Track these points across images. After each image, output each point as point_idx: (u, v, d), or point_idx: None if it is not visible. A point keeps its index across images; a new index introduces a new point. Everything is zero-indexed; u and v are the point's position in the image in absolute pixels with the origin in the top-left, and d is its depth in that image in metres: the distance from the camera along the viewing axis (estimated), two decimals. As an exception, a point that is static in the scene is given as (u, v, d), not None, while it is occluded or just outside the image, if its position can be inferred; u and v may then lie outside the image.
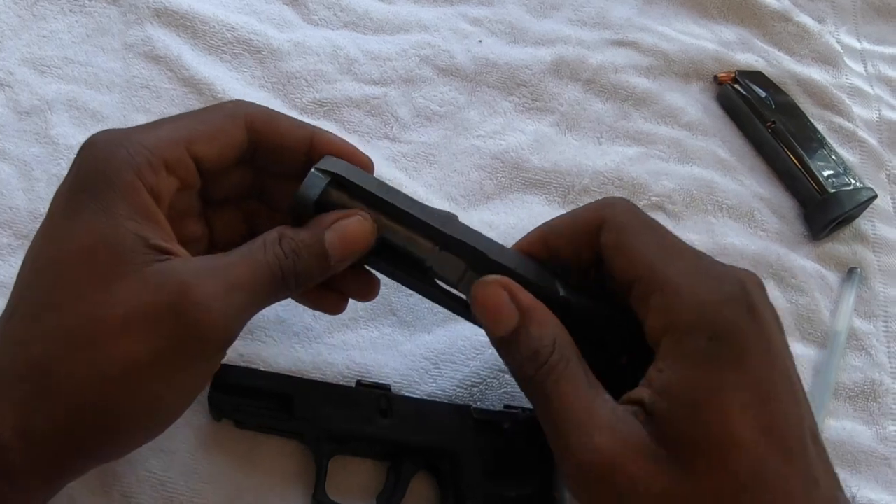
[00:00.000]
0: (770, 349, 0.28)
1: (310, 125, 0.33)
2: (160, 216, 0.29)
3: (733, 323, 0.28)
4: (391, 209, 0.31)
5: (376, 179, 0.32)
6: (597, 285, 0.33)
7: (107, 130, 0.30)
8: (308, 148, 0.32)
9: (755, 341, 0.28)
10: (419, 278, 0.33)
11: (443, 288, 0.33)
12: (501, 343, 0.31)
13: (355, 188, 0.31)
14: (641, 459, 0.27)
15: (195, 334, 0.27)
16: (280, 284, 0.29)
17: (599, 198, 0.41)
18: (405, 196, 0.32)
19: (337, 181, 0.31)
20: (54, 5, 0.46)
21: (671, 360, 0.28)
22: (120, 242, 0.27)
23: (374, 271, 0.34)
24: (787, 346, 0.29)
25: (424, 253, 0.31)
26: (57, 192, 0.30)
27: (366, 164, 0.33)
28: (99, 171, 0.28)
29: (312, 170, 0.31)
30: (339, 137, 0.33)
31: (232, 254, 0.29)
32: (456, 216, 0.32)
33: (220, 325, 0.27)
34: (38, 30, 0.45)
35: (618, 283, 0.31)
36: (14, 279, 0.37)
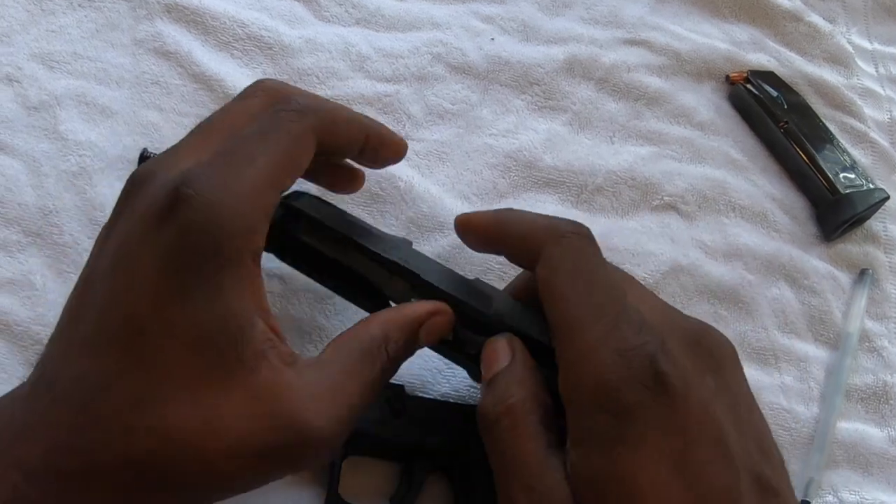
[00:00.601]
0: (687, 416, 0.26)
1: (362, 118, 0.33)
2: (264, 290, 0.26)
3: (632, 405, 0.26)
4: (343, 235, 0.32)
5: (337, 212, 0.33)
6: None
7: (192, 173, 0.25)
8: (363, 146, 0.33)
9: (664, 415, 0.26)
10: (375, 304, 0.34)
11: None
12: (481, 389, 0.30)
13: (317, 223, 0.32)
14: None
15: (304, 464, 0.27)
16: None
17: (612, 198, 0.42)
18: (363, 227, 0.33)
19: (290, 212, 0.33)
20: (63, 0, 0.45)
21: (577, 437, 0.27)
22: (234, 333, 0.24)
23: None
24: (711, 400, 0.27)
25: (375, 278, 0.33)
26: (144, 257, 0.25)
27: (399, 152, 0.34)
28: (206, 241, 0.24)
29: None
30: (388, 131, 0.33)
31: (338, 365, 0.27)
32: (410, 243, 0.34)
33: (329, 452, 0.27)
34: (46, 24, 0.44)
35: (547, 320, 0.29)
36: (23, 276, 0.37)
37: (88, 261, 0.28)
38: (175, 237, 0.24)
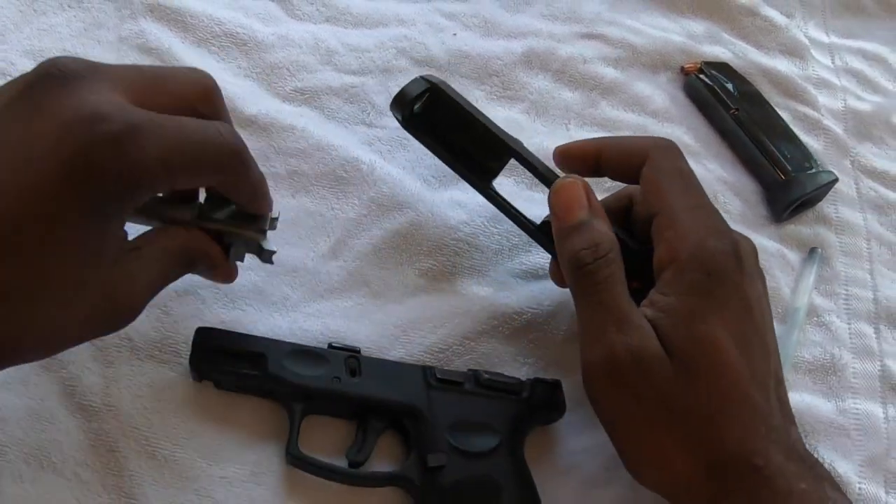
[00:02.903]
0: (749, 297, 0.36)
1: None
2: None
3: (724, 269, 0.36)
4: (475, 121, 0.41)
5: (464, 98, 0.42)
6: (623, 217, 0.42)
7: (119, 114, 0.29)
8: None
9: (738, 287, 0.36)
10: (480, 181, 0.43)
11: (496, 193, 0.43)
12: (568, 231, 0.38)
13: (447, 98, 0.41)
14: (658, 363, 0.35)
15: (119, 327, 0.33)
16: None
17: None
18: (485, 117, 0.42)
19: (432, 89, 0.41)
20: (54, 1, 0.51)
21: (674, 286, 0.36)
22: (105, 250, 0.30)
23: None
24: (763, 298, 0.38)
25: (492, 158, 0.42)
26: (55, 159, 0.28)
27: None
28: (112, 187, 0.29)
29: (416, 77, 0.42)
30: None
31: (155, 263, 0.34)
32: (521, 142, 0.42)
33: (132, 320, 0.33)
34: (38, 24, 0.50)
35: (643, 213, 0.39)
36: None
37: None
38: (91, 167, 0.28)
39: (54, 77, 0.29)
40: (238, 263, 0.38)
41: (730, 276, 0.36)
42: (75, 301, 0.30)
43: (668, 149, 0.40)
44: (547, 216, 0.40)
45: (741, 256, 0.37)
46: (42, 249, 0.29)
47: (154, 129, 0.30)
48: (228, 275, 0.38)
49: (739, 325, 0.35)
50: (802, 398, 0.47)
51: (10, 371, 0.38)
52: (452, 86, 0.43)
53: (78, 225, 0.29)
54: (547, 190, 0.40)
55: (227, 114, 0.36)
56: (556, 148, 0.43)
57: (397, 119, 0.43)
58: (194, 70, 0.35)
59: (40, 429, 0.38)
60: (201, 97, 0.34)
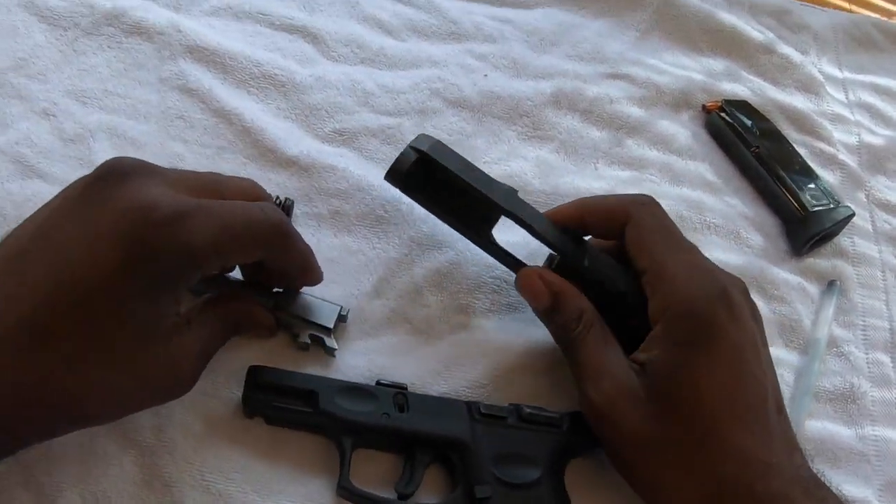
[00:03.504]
0: (740, 338, 0.39)
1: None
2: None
3: (711, 316, 0.39)
4: (464, 184, 0.43)
5: (457, 156, 0.44)
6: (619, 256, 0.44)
7: (171, 204, 0.33)
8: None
9: (727, 332, 0.39)
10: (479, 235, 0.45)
11: (496, 245, 0.45)
12: (541, 315, 0.44)
13: (438, 164, 0.43)
14: (632, 404, 0.39)
15: (172, 398, 0.38)
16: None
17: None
18: (479, 174, 0.44)
19: (423, 158, 0.43)
20: (93, 42, 0.53)
21: (663, 338, 0.40)
22: (162, 327, 0.35)
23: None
24: (757, 335, 0.41)
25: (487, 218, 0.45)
26: (119, 233, 0.32)
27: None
28: (165, 267, 0.33)
29: (407, 146, 0.44)
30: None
31: (209, 330, 0.38)
32: (516, 191, 0.45)
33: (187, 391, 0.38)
34: (78, 64, 0.52)
35: (634, 267, 0.43)
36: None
37: (50, 213, 0.35)
38: (145, 250, 0.33)
39: (115, 174, 0.34)
40: None
41: (717, 326, 0.39)
42: (134, 371, 0.34)
43: (647, 205, 0.44)
44: (552, 260, 0.45)
45: (730, 302, 0.40)
46: (104, 322, 0.33)
47: (202, 213, 0.34)
48: (272, 333, 0.44)
49: (727, 369, 0.39)
50: (824, 426, 0.49)
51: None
52: (486, 122, 0.46)
53: (135, 301, 0.33)
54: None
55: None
56: (545, 213, 0.45)
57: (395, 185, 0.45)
58: (244, 178, 0.41)
59: (95, 465, 0.39)
60: (251, 197, 0.39)
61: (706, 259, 0.43)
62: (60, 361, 0.32)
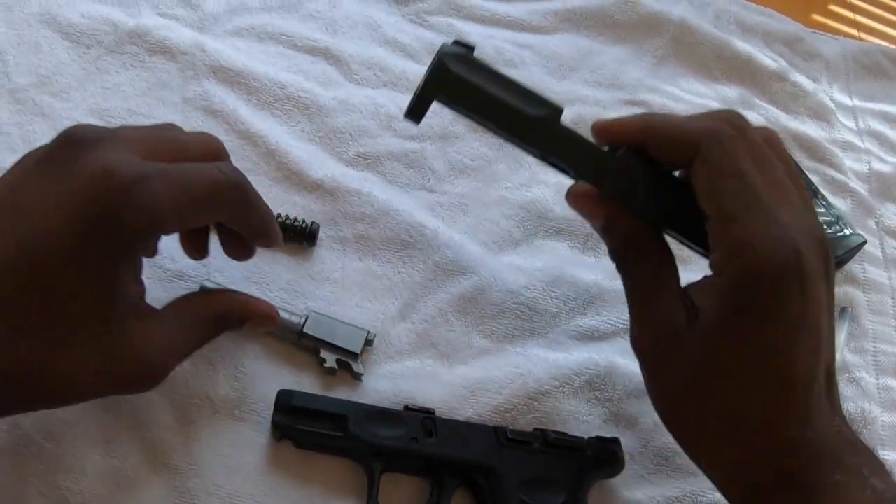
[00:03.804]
0: (804, 309, 0.36)
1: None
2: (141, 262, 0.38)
3: (775, 286, 0.35)
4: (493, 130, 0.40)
5: (481, 83, 0.39)
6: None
7: (130, 168, 0.33)
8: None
9: (791, 303, 0.36)
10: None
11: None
12: (599, 232, 0.42)
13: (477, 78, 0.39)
14: (681, 345, 0.37)
15: (136, 390, 0.37)
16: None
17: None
18: (506, 104, 0.39)
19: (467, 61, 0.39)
20: (116, 60, 0.54)
21: (719, 293, 0.37)
22: (117, 297, 0.34)
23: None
24: (824, 305, 0.37)
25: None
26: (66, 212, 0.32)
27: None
28: (124, 230, 0.33)
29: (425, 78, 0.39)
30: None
31: (180, 324, 0.37)
32: (559, 113, 0.40)
33: (153, 385, 0.37)
34: (101, 82, 0.53)
35: (700, 204, 0.38)
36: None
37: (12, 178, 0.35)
38: (105, 212, 0.33)
39: (75, 141, 0.35)
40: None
41: (780, 293, 0.35)
42: (91, 347, 0.34)
43: (723, 143, 0.37)
44: (610, 148, 0.41)
45: (802, 271, 0.36)
46: (62, 289, 0.33)
47: (162, 177, 0.34)
48: (274, 322, 0.42)
49: (785, 334, 0.36)
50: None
51: (92, 431, 0.41)
52: (507, 147, 0.44)
53: (94, 267, 0.33)
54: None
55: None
56: (595, 122, 0.41)
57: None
58: (204, 133, 0.40)
59: (125, 488, 0.40)
60: (211, 155, 0.39)
61: (789, 208, 0.37)
62: (14, 330, 0.32)
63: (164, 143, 0.37)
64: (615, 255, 0.41)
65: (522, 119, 0.39)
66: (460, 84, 0.39)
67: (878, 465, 0.38)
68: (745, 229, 0.36)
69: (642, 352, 0.40)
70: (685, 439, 0.39)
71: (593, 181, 0.40)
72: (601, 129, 0.41)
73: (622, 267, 0.41)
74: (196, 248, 0.43)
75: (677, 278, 0.40)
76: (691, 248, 0.41)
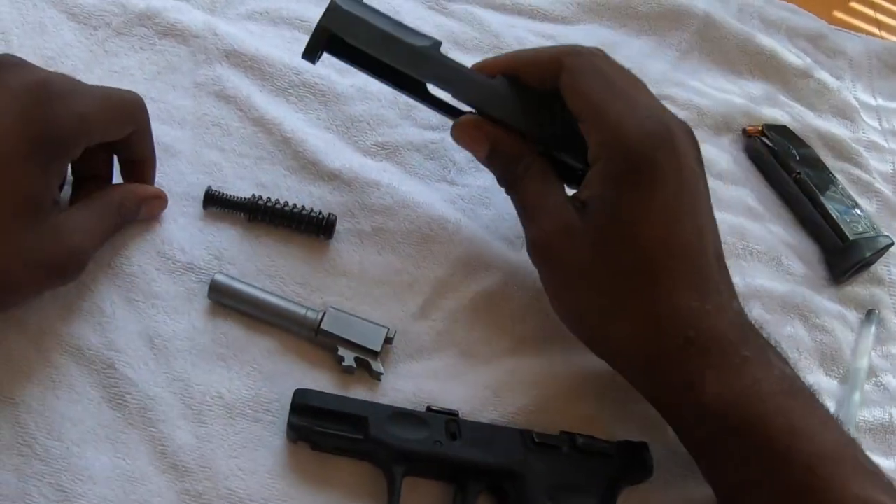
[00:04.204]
0: (681, 180, 0.40)
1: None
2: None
3: (651, 155, 0.39)
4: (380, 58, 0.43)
5: (371, 20, 0.44)
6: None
7: (62, 81, 0.38)
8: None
9: (667, 172, 0.39)
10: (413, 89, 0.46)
11: (432, 97, 0.46)
12: (485, 161, 0.45)
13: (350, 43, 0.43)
14: (571, 238, 0.40)
15: (69, 273, 0.40)
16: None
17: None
18: (395, 39, 0.43)
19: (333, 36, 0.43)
20: (125, 42, 0.51)
21: (602, 175, 0.40)
22: (43, 196, 0.37)
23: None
24: (700, 179, 0.41)
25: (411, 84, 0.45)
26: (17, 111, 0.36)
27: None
28: (59, 135, 0.37)
29: (318, 23, 0.43)
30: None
31: (90, 213, 0.41)
32: (439, 44, 0.44)
33: (82, 265, 0.40)
34: (109, 65, 0.50)
35: (574, 115, 0.42)
36: (94, 303, 0.42)
37: None
38: (42, 119, 0.36)
39: (6, 61, 0.39)
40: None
41: (657, 165, 0.39)
42: (22, 243, 0.37)
43: (581, 53, 0.43)
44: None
45: (673, 142, 0.40)
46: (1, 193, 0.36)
47: (87, 89, 0.40)
48: (163, 204, 0.45)
49: (664, 210, 0.39)
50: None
51: (98, 429, 0.39)
52: None
53: (31, 170, 0.36)
54: None
55: (149, 126, 0.44)
56: (474, 65, 0.45)
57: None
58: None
59: (131, 489, 0.38)
60: (132, 106, 0.43)
61: (652, 98, 0.42)
62: None
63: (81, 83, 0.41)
64: (503, 178, 0.44)
65: (411, 49, 0.43)
66: (351, 18, 0.43)
67: (782, 355, 0.40)
68: (614, 113, 0.40)
69: (538, 248, 0.42)
70: (582, 324, 0.42)
71: (476, 103, 0.44)
72: (478, 68, 0.45)
73: (511, 187, 0.44)
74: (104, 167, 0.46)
75: (563, 187, 0.43)
76: (575, 166, 0.44)
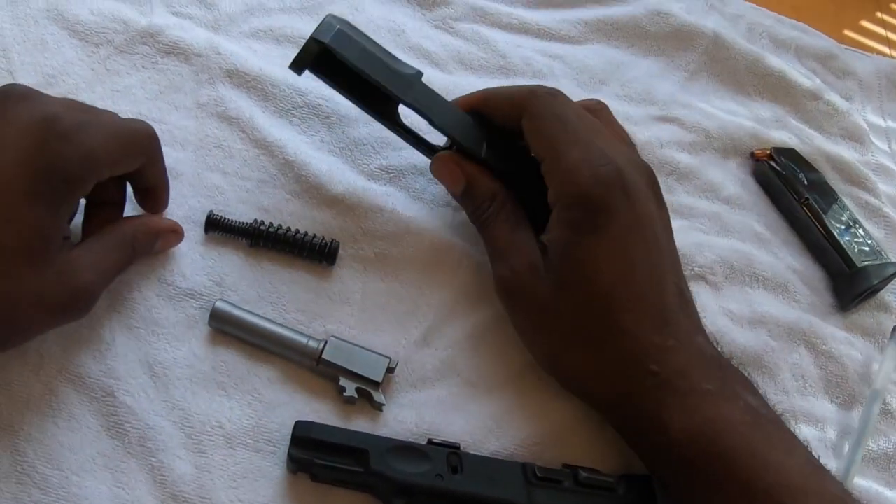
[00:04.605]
0: (634, 220, 0.41)
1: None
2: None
3: (601, 198, 0.41)
4: (363, 74, 0.44)
5: (361, 42, 0.45)
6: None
7: (70, 116, 0.37)
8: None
9: (619, 213, 0.41)
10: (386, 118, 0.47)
11: (404, 127, 0.47)
12: (458, 198, 0.47)
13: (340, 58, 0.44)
14: (537, 278, 0.42)
15: (79, 308, 0.39)
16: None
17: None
18: (380, 61, 0.45)
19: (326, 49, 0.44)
20: (127, 61, 0.51)
21: (558, 220, 0.42)
22: (52, 235, 0.36)
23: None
24: (656, 217, 0.42)
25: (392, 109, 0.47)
26: (22, 152, 0.35)
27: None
28: (68, 174, 0.36)
29: (311, 36, 0.44)
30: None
31: (101, 248, 0.40)
32: (421, 75, 0.46)
33: (92, 302, 0.39)
34: (111, 84, 0.50)
35: (535, 156, 0.44)
36: (94, 330, 0.42)
37: None
38: (50, 157, 0.36)
39: (13, 93, 0.38)
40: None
41: (609, 207, 0.40)
42: (27, 276, 0.36)
43: (543, 97, 0.45)
44: (447, 141, 0.48)
45: (624, 183, 0.41)
46: (5, 229, 0.35)
47: (96, 124, 0.38)
48: (179, 238, 0.45)
49: (619, 252, 0.40)
50: (870, 485, 0.49)
51: (97, 458, 0.39)
52: None
53: (39, 208, 0.36)
54: None
55: (161, 156, 0.43)
56: (453, 101, 0.47)
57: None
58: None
59: (126, 515, 0.38)
60: (142, 137, 0.42)
61: (608, 141, 0.44)
62: None
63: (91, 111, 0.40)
64: (475, 215, 0.46)
65: (397, 73, 0.45)
66: (344, 35, 0.44)
67: (750, 385, 0.41)
68: (570, 158, 0.42)
69: (506, 286, 0.44)
70: (552, 364, 0.43)
71: (452, 131, 0.46)
72: (458, 103, 0.48)
73: (482, 224, 0.46)
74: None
75: (531, 229, 0.44)
76: (538, 206, 0.44)
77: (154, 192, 0.44)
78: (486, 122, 0.47)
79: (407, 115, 0.47)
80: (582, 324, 0.41)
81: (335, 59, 0.44)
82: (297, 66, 0.45)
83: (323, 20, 0.45)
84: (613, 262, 0.40)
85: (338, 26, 0.45)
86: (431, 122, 0.46)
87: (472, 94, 0.48)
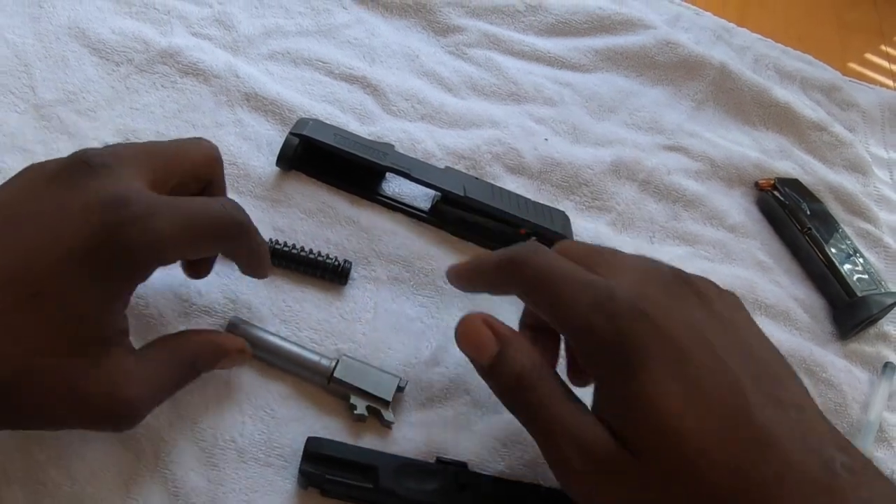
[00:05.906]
0: (670, 336, 0.34)
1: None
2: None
3: (622, 343, 0.34)
4: (345, 154, 0.49)
5: (334, 131, 0.50)
6: None
7: (144, 199, 0.34)
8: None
9: (652, 340, 0.33)
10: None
11: (387, 197, 0.51)
12: (486, 370, 0.37)
13: (319, 143, 0.49)
14: (612, 457, 0.33)
15: (118, 426, 0.36)
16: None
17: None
18: (356, 142, 0.50)
19: (305, 140, 0.49)
20: (146, 79, 0.53)
21: (596, 384, 0.35)
22: (104, 328, 0.34)
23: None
24: (697, 323, 0.34)
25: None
26: (83, 217, 0.33)
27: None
28: (132, 259, 0.34)
29: (289, 133, 0.50)
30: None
31: (159, 365, 0.37)
32: (392, 146, 0.51)
33: (135, 422, 0.36)
34: (130, 102, 0.52)
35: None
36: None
37: (14, 189, 0.35)
38: (114, 238, 0.33)
39: (84, 166, 0.35)
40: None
41: (635, 344, 0.33)
42: (70, 374, 0.33)
43: (528, 266, 0.38)
44: (434, 199, 0.50)
45: (641, 310, 0.34)
46: (55, 300, 0.32)
47: (169, 211, 0.35)
48: (243, 358, 0.42)
49: (669, 382, 0.33)
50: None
51: (112, 469, 0.40)
52: (545, 190, 0.50)
53: (89, 291, 0.33)
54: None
55: (223, 178, 0.43)
56: (447, 268, 0.43)
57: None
58: (199, 140, 0.41)
59: (139, 532, 0.39)
60: (207, 165, 0.41)
61: (619, 266, 0.37)
62: (4, 335, 0.32)
63: (167, 161, 0.39)
64: (511, 393, 0.37)
65: (372, 144, 0.50)
66: (319, 125, 0.50)
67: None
68: (573, 318, 0.35)
69: (577, 481, 0.35)
70: None
71: (429, 181, 0.49)
72: (450, 273, 0.43)
73: (524, 402, 0.36)
74: (196, 271, 0.44)
75: (581, 402, 0.36)
76: None
77: (247, 263, 0.42)
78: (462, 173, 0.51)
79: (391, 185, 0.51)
80: (679, 495, 0.32)
81: (315, 154, 0.49)
82: (284, 162, 0.50)
83: (296, 122, 0.51)
84: (670, 400, 0.32)
85: (310, 121, 0.50)
86: (411, 178, 0.49)
87: (462, 262, 0.42)
